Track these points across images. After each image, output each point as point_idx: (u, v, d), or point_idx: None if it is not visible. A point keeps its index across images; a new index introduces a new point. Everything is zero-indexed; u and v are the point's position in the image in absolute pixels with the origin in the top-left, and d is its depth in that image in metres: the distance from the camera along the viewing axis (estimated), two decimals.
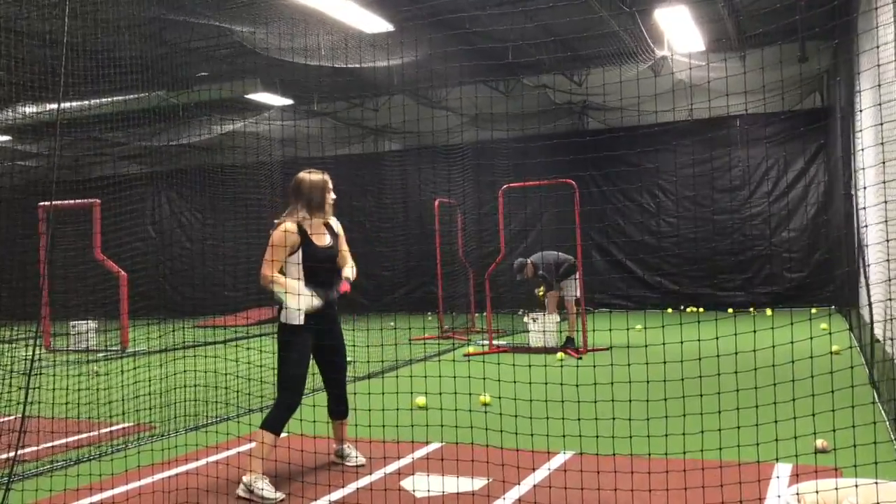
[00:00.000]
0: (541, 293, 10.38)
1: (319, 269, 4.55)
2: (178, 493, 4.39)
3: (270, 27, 9.98)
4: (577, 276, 10.02)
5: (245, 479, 4.34)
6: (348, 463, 4.90)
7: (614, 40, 11.10)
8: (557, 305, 10.30)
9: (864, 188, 6.17)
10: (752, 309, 14.01)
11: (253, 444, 4.51)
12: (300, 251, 4.51)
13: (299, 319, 4.48)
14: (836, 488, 3.16)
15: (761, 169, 14.74)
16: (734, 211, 14.79)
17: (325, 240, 4.63)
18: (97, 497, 4.42)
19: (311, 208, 4.57)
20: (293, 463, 4.79)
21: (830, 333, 4.70)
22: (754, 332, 4.14)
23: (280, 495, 4.28)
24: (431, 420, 5.16)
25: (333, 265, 4.68)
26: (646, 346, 4.23)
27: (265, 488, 4.27)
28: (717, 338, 4.16)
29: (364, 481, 4.50)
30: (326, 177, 4.68)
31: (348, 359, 5.11)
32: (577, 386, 4.43)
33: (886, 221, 5.21)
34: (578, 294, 10.11)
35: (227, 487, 4.48)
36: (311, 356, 4.68)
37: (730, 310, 13.04)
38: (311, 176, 4.64)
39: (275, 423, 4.42)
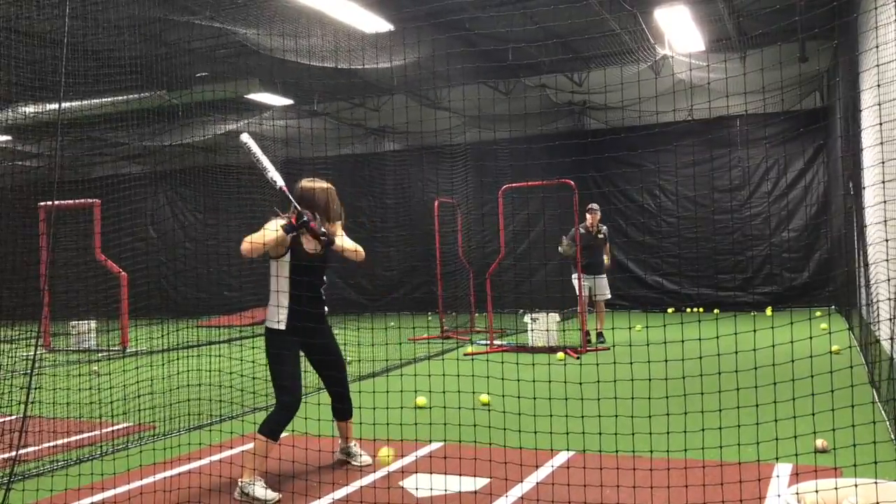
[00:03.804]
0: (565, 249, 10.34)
1: (305, 270, 4.52)
2: (178, 492, 4.39)
3: (271, 27, 9.97)
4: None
5: (240, 482, 4.35)
6: (354, 462, 4.90)
7: (615, 40, 11.10)
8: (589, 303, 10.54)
9: (864, 188, 6.17)
10: (753, 313, 14.02)
11: (251, 446, 4.51)
12: (289, 252, 4.51)
13: (279, 324, 4.49)
14: (836, 488, 3.17)
15: (761, 169, 14.74)
16: (734, 211, 14.78)
17: (315, 246, 4.57)
18: (98, 497, 4.42)
19: (328, 217, 4.60)
20: (294, 462, 4.79)
21: (830, 333, 4.70)
22: (754, 331, 4.14)
23: (276, 495, 4.27)
24: (432, 420, 5.17)
25: (320, 272, 4.64)
26: (647, 344, 4.24)
27: (258, 489, 4.27)
28: (717, 337, 4.17)
29: (365, 481, 4.50)
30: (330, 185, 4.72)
31: (348, 359, 5.11)
32: (580, 384, 4.43)
33: (886, 221, 5.21)
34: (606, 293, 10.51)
35: (228, 487, 4.48)
36: (310, 364, 4.72)
37: (716, 310, 12.97)
38: (317, 184, 4.65)
39: (272, 427, 4.40)
